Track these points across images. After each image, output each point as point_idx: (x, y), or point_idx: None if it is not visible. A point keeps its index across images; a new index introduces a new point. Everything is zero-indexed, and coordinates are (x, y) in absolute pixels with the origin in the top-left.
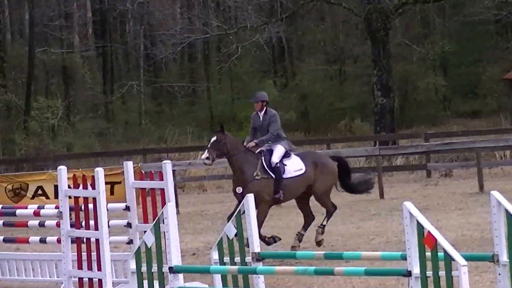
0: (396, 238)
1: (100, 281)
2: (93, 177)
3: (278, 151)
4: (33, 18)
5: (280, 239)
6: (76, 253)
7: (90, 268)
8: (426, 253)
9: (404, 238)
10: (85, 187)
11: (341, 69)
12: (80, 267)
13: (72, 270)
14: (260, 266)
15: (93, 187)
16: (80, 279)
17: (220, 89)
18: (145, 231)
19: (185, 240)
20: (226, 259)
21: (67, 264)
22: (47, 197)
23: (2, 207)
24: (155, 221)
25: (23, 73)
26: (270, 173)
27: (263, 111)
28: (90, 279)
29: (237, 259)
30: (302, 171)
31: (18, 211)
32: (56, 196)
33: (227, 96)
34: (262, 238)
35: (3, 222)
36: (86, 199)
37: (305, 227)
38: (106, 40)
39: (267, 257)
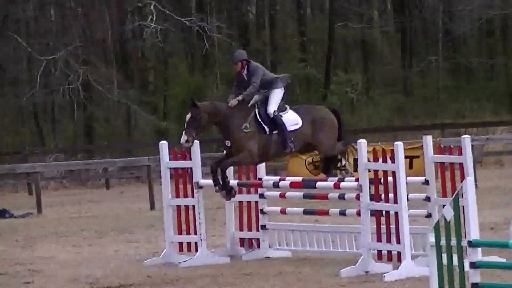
0: None
1: (399, 253)
2: (392, 151)
3: (275, 97)
4: None
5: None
6: (375, 226)
7: (389, 241)
8: None
9: None
10: (384, 161)
11: None
12: (379, 239)
13: (371, 243)
14: None
15: (393, 161)
16: (379, 251)
17: None
18: (443, 205)
19: (483, 214)
20: None
21: (366, 236)
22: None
23: (302, 180)
24: (454, 195)
25: (323, 48)
26: (265, 126)
27: (246, 69)
28: (389, 252)
29: None
30: (298, 126)
31: (318, 184)
32: (356, 169)
33: None
34: (218, 179)
35: (303, 194)
36: (385, 173)
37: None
38: (405, 15)
39: None
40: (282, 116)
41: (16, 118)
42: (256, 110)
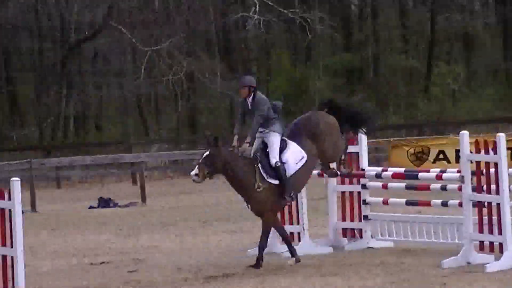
0: None
1: (500, 244)
2: (494, 142)
3: (274, 145)
4: None
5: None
6: (477, 217)
7: (491, 231)
8: None
9: None
10: (486, 152)
11: None
12: (481, 230)
13: (473, 233)
14: None
15: (495, 152)
16: (481, 242)
17: None
18: None
19: None
20: None
21: (468, 227)
22: (448, 161)
23: (404, 171)
24: None
25: (425, 39)
26: (271, 179)
27: (251, 97)
28: (491, 243)
29: None
30: (305, 159)
31: (420, 175)
32: (457, 161)
33: None
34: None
35: (406, 185)
36: (487, 164)
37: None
38: (507, 7)
39: None
40: (285, 162)
41: (120, 109)
42: (259, 166)
